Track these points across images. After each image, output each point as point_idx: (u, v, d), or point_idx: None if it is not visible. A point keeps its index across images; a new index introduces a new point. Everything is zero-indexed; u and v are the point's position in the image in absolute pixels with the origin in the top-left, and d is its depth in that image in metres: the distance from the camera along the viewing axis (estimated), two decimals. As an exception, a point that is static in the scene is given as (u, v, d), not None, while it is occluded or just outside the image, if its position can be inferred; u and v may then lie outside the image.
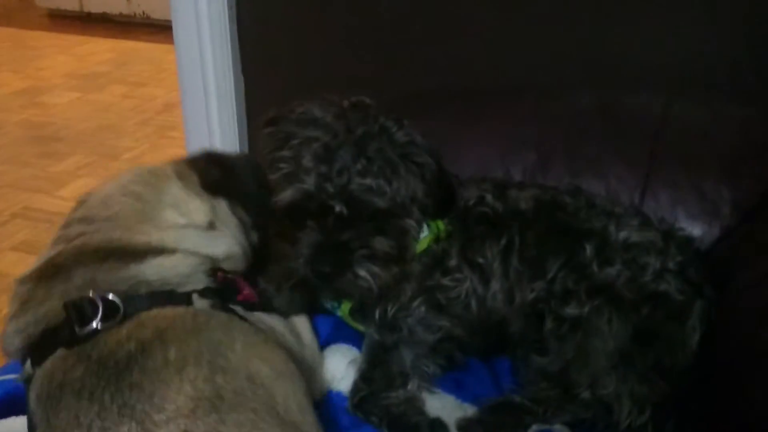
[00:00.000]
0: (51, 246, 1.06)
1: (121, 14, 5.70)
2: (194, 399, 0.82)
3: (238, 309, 1.05)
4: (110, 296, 0.92)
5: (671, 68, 1.60)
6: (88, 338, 0.89)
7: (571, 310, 1.18)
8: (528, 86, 1.65)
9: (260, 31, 2.00)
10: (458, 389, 1.22)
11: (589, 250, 1.20)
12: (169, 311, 0.94)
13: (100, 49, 5.18)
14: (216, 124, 2.07)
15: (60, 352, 0.90)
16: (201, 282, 1.04)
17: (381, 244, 1.09)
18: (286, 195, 1.07)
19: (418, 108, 1.65)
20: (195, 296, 0.99)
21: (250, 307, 1.09)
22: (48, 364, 0.89)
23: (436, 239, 1.22)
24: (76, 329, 0.89)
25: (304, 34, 1.95)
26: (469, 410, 1.18)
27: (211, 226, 1.14)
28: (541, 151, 1.47)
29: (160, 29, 5.35)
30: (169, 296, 0.97)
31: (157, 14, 5.47)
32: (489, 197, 1.27)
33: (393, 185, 1.06)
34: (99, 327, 0.89)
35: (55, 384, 0.86)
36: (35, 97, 4.29)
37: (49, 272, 0.99)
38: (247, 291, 1.11)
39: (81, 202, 1.17)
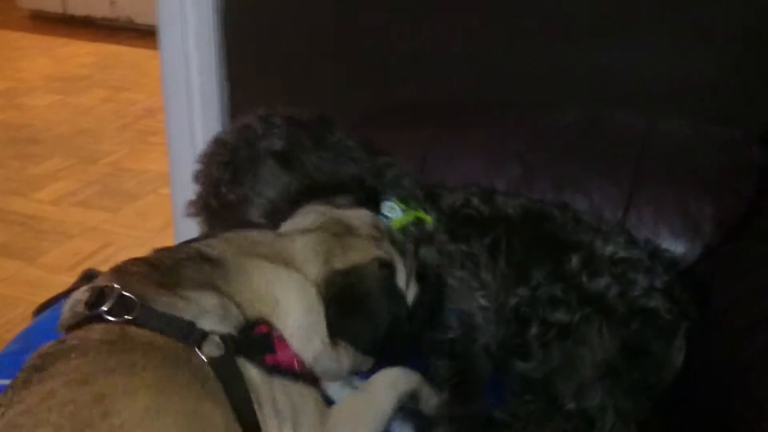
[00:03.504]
0: None
1: (104, 18, 5.66)
2: None
3: (255, 371, 0.93)
4: (133, 297, 0.88)
5: (656, 87, 1.61)
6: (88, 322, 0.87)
7: (560, 316, 1.17)
8: (513, 102, 1.65)
9: (246, 37, 1.99)
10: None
11: (575, 261, 1.20)
12: (143, 336, 0.86)
13: (82, 52, 5.13)
14: (199, 130, 2.04)
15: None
16: (229, 327, 0.92)
17: None
18: None
19: (404, 120, 1.65)
20: (215, 338, 0.89)
21: (278, 371, 0.94)
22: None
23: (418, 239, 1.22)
24: (84, 308, 0.88)
25: (289, 41, 1.95)
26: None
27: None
28: (526, 165, 1.47)
29: (143, 34, 5.31)
30: (179, 325, 0.89)
31: (140, 18, 5.43)
32: (475, 200, 1.27)
33: None
34: (101, 313, 0.86)
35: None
36: (14, 99, 4.23)
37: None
38: (283, 354, 0.96)
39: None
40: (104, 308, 0.86)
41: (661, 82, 1.60)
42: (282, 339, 0.96)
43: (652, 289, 1.19)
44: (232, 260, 0.98)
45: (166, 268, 0.95)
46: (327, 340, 1.00)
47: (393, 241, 1.10)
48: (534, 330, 1.18)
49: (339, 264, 1.01)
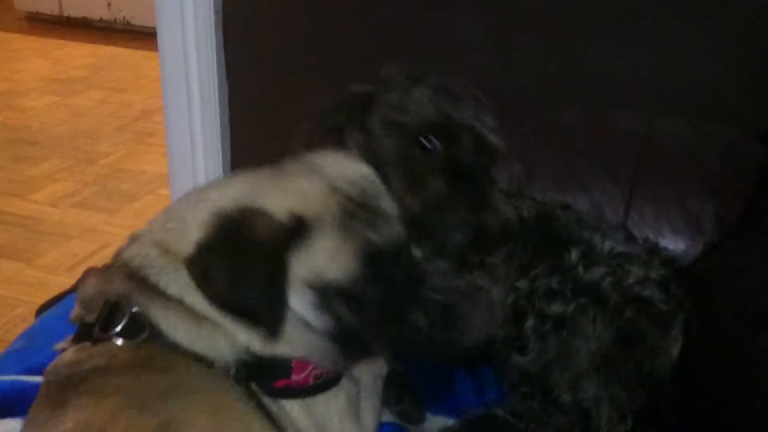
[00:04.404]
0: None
1: (101, 19, 5.65)
2: None
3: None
4: (147, 318, 0.84)
5: (656, 87, 1.62)
6: (101, 341, 0.85)
7: (555, 308, 1.17)
8: (515, 101, 1.66)
9: (245, 37, 1.99)
10: (438, 401, 1.20)
11: (574, 254, 1.20)
12: (171, 357, 0.83)
13: (79, 54, 5.12)
14: (198, 130, 2.04)
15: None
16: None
17: None
18: None
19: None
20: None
21: (289, 393, 0.89)
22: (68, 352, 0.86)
23: None
24: (96, 333, 0.84)
25: (289, 41, 1.95)
26: (450, 422, 1.16)
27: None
28: (527, 163, 1.47)
29: (140, 35, 5.30)
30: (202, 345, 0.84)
31: (137, 20, 5.43)
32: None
33: None
34: (113, 337, 0.83)
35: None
36: (11, 100, 4.22)
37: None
38: (298, 374, 0.89)
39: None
40: (117, 329, 0.83)
41: (662, 81, 1.61)
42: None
43: (647, 279, 1.20)
44: None
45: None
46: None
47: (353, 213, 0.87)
48: (530, 322, 1.19)
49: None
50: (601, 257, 1.21)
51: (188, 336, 0.84)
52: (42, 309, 1.29)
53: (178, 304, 0.84)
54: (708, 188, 1.40)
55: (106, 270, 0.92)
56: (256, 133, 2.08)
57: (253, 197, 0.87)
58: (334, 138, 1.11)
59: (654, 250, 1.28)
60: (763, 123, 1.49)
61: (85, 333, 0.86)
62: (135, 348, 0.82)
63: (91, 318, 0.87)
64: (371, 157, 1.06)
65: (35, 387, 0.99)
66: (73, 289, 1.32)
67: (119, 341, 0.83)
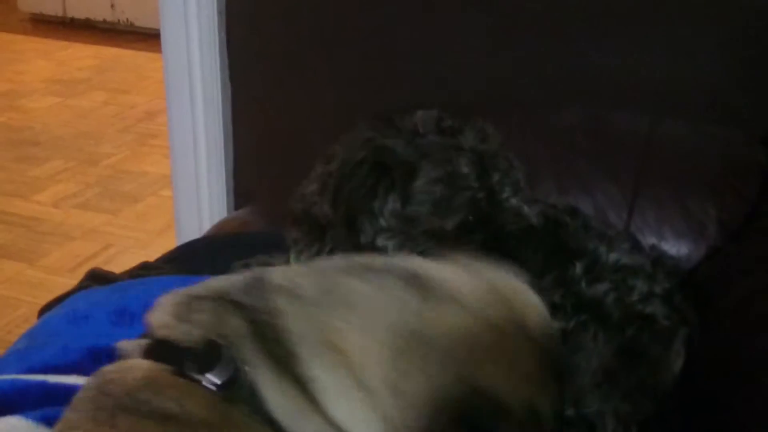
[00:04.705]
0: None
1: (104, 21, 5.66)
2: None
3: None
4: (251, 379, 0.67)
5: (658, 89, 1.61)
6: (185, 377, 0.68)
7: (556, 324, 1.17)
8: (516, 103, 1.66)
9: (249, 39, 2.00)
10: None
11: (579, 267, 1.20)
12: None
13: (82, 55, 5.13)
14: (202, 132, 2.05)
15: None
16: None
17: None
18: None
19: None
20: None
21: None
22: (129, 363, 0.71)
23: None
24: (189, 365, 0.68)
25: (293, 42, 1.95)
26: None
27: None
28: (529, 165, 1.47)
29: (143, 37, 5.31)
30: None
31: (140, 22, 5.43)
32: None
33: None
34: (202, 381, 0.67)
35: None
36: (14, 101, 4.23)
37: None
38: None
39: None
40: (216, 380, 0.66)
41: (664, 83, 1.60)
42: None
43: (650, 294, 1.19)
44: None
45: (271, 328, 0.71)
46: None
47: None
48: None
49: None
50: (606, 270, 1.20)
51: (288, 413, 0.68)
52: (44, 309, 1.29)
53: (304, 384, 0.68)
54: (710, 191, 1.40)
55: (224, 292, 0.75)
56: (259, 134, 2.08)
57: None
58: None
59: (659, 260, 1.27)
60: (767, 124, 1.49)
61: (169, 355, 0.70)
62: (216, 402, 0.67)
63: (176, 337, 0.71)
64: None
65: (36, 385, 1.00)
66: (75, 290, 1.32)
67: (209, 386, 0.67)
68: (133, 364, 0.70)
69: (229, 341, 0.68)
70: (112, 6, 5.59)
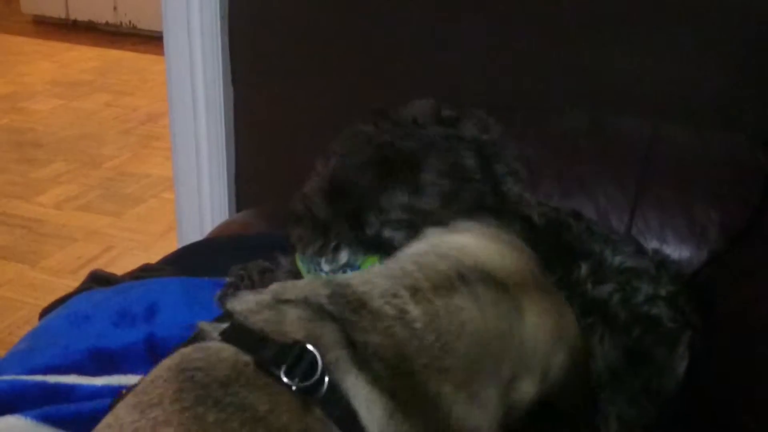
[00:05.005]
0: None
1: (107, 23, 5.67)
2: None
3: None
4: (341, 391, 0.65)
5: (661, 93, 1.62)
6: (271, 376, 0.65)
7: None
8: (519, 105, 1.66)
9: (251, 42, 2.00)
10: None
11: (584, 269, 1.20)
12: None
13: (85, 57, 5.14)
14: (204, 134, 2.05)
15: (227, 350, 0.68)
16: None
17: None
18: None
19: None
20: None
21: None
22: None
23: None
24: (273, 360, 0.65)
25: (295, 46, 1.95)
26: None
27: None
28: (532, 168, 1.47)
29: (146, 39, 5.32)
30: None
31: (143, 24, 5.44)
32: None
33: None
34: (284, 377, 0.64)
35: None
36: (17, 103, 4.24)
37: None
38: None
39: None
40: (302, 383, 0.64)
41: (666, 87, 1.61)
42: None
43: (655, 297, 1.19)
44: None
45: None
46: None
47: None
48: None
49: None
50: (611, 272, 1.20)
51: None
52: (46, 311, 1.30)
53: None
54: (713, 195, 1.40)
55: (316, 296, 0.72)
56: (261, 137, 2.09)
57: None
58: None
59: (663, 263, 1.27)
60: (769, 130, 1.49)
61: (255, 346, 0.67)
62: (300, 408, 0.64)
63: (261, 325, 0.69)
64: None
65: (35, 385, 1.00)
66: (77, 292, 1.32)
67: (293, 387, 0.64)
68: (218, 350, 0.67)
69: (318, 345, 0.66)
70: (115, 8, 5.59)
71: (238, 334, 0.68)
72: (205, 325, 0.72)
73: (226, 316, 0.72)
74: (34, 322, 1.29)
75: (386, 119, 1.14)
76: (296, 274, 1.17)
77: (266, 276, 1.22)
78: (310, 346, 0.65)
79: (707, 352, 1.16)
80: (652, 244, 1.34)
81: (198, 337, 0.71)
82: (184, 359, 0.66)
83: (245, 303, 0.72)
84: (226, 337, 0.68)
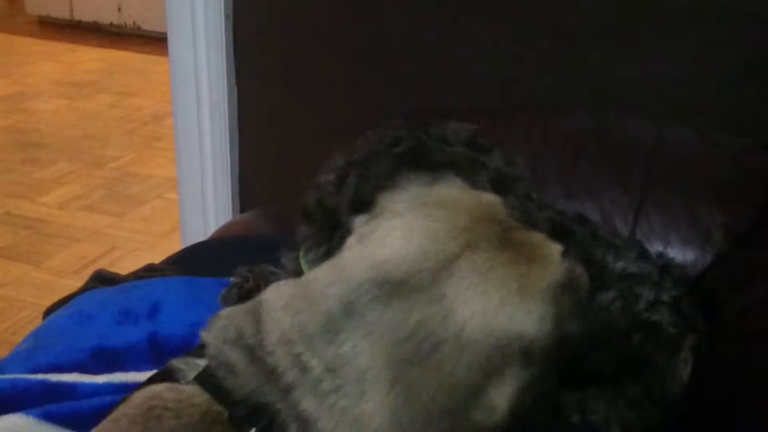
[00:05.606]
0: None
1: (111, 24, 5.68)
2: None
3: None
4: None
5: (665, 96, 1.62)
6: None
7: None
8: (523, 108, 1.66)
9: (255, 42, 2.00)
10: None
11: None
12: None
13: (89, 58, 5.15)
14: (207, 135, 2.05)
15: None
16: None
17: None
18: None
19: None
20: None
21: None
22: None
23: None
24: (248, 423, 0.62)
25: (299, 46, 1.95)
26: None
27: None
28: (536, 170, 1.46)
29: (150, 40, 5.33)
30: None
31: (147, 25, 5.46)
32: None
33: None
34: None
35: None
36: (21, 103, 4.25)
37: None
38: None
39: None
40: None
41: (670, 89, 1.61)
42: None
43: (657, 302, 1.19)
44: None
45: None
46: None
47: None
48: None
49: None
50: (613, 278, 1.20)
51: None
52: (49, 311, 1.30)
53: None
54: (717, 197, 1.39)
55: None
56: (265, 137, 2.09)
57: None
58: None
59: (667, 267, 1.26)
60: (774, 133, 1.49)
61: (225, 397, 0.64)
62: None
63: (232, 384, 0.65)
64: None
65: (36, 384, 1.00)
66: (81, 292, 1.32)
67: None
68: (190, 394, 0.65)
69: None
70: (120, 9, 5.61)
71: (213, 382, 0.65)
72: (177, 363, 0.69)
73: (201, 347, 0.69)
74: (38, 322, 1.29)
75: (419, 128, 1.14)
76: (299, 275, 1.16)
77: (271, 279, 1.22)
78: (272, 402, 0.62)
79: (710, 357, 1.16)
80: (656, 247, 1.33)
81: (171, 374, 0.68)
82: (155, 396, 0.65)
83: (220, 332, 0.69)
84: (201, 381, 0.66)
